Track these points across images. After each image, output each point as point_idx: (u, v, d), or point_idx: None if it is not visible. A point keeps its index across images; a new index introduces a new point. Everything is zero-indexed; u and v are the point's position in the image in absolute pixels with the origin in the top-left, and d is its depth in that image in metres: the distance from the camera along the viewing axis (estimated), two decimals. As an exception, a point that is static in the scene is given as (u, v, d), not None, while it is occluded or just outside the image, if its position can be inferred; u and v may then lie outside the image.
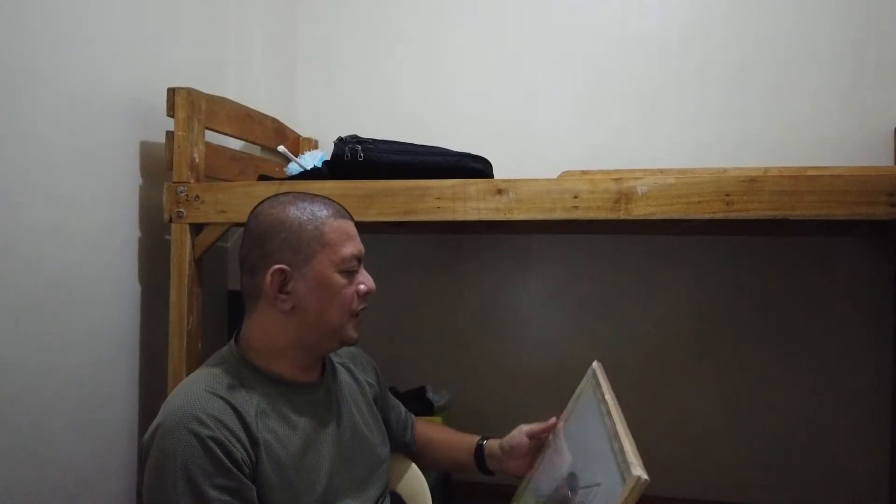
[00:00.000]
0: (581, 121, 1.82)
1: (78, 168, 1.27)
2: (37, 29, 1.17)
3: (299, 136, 1.90)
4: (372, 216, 1.24)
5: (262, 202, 1.00)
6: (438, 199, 1.21)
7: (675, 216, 1.13)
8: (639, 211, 1.14)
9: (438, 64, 1.92)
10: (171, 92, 1.33)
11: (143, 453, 0.87)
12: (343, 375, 1.11)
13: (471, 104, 1.89)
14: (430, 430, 1.29)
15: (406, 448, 1.25)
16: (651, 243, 1.77)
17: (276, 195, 1.01)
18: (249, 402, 0.91)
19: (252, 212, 1.00)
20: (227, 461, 0.84)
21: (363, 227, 1.86)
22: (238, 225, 1.46)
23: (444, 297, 1.90)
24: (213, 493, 0.82)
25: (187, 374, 1.32)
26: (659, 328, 1.77)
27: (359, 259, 0.99)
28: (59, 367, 1.23)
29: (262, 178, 1.45)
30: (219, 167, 1.45)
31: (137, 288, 1.44)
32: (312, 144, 1.92)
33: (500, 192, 1.19)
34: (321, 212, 0.97)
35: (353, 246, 0.98)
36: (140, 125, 1.43)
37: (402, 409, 1.27)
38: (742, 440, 1.72)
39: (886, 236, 1.60)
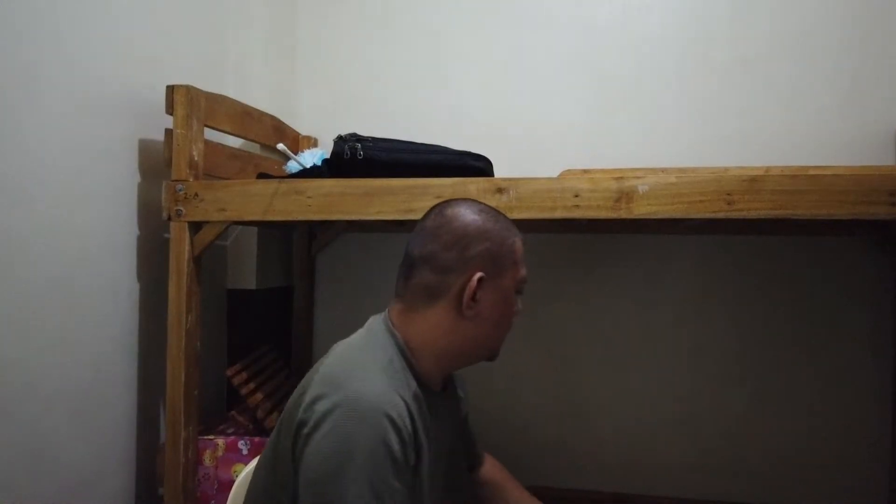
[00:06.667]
0: (582, 119, 1.82)
1: (76, 166, 1.27)
2: (36, 27, 1.17)
3: (299, 134, 1.89)
4: (372, 215, 1.24)
5: (455, 203, 0.98)
6: (439, 197, 1.21)
7: (677, 215, 1.13)
8: (640, 210, 1.13)
9: (438, 62, 1.91)
10: (171, 90, 1.32)
11: (311, 425, 0.83)
12: (451, 391, 1.08)
13: (471, 103, 1.88)
14: (502, 475, 1.24)
15: (463, 478, 1.20)
16: (652, 242, 1.77)
17: (466, 200, 1.00)
18: (412, 406, 0.89)
19: (445, 210, 0.97)
20: (402, 462, 0.83)
21: (363, 226, 1.88)
22: (238, 223, 1.46)
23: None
24: (388, 493, 0.80)
25: (186, 373, 1.33)
26: (659, 327, 1.76)
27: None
28: (58, 366, 1.23)
29: (262, 176, 1.45)
30: (218, 165, 1.45)
31: (136, 286, 1.43)
32: (312, 142, 1.92)
33: (500, 190, 1.19)
34: (513, 228, 0.99)
35: (526, 269, 1.00)
36: (139, 123, 1.43)
37: (473, 433, 1.22)
38: (742, 440, 1.71)
39: (888, 236, 1.60)
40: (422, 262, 0.95)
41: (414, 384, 0.92)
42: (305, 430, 0.83)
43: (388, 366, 0.90)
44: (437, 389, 0.98)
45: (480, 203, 1.00)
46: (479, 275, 0.92)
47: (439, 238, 0.94)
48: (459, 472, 1.06)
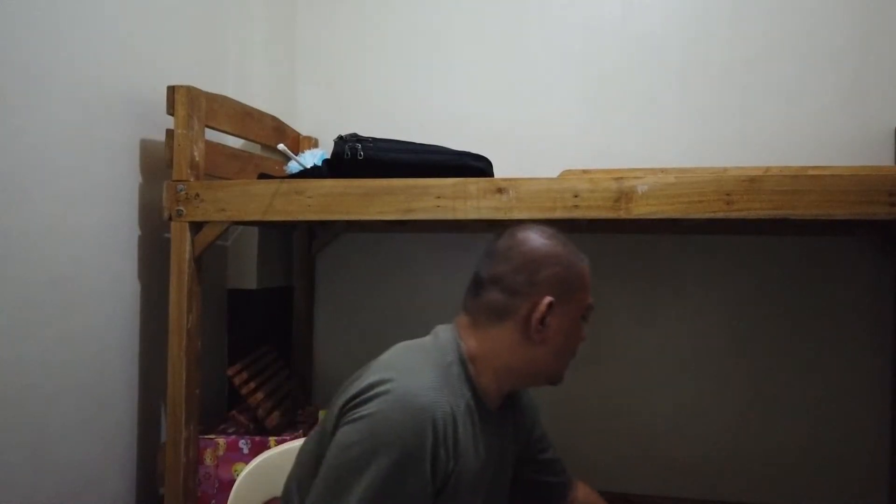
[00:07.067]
0: (582, 120, 1.82)
1: (78, 166, 1.27)
2: (36, 27, 1.17)
3: (299, 134, 1.89)
4: (372, 215, 1.24)
5: (526, 227, 1.00)
6: (438, 197, 1.21)
7: (676, 215, 1.13)
8: (639, 210, 1.14)
9: (439, 62, 1.91)
10: (171, 90, 1.33)
11: (360, 399, 0.85)
12: (509, 415, 1.07)
13: (471, 103, 1.88)
14: (596, 500, 1.21)
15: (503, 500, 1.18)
16: (652, 242, 1.77)
17: (537, 225, 1.00)
18: (460, 414, 0.89)
19: (517, 233, 0.99)
20: (430, 466, 0.83)
21: (363, 226, 1.88)
22: (238, 223, 1.46)
23: (444, 297, 1.89)
24: (399, 496, 0.81)
25: (187, 373, 1.33)
26: (659, 327, 1.76)
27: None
28: (59, 366, 1.23)
29: (262, 176, 1.45)
30: (218, 165, 1.45)
31: (137, 286, 1.43)
32: (312, 143, 1.92)
33: (500, 190, 1.19)
34: (581, 254, 0.99)
35: (591, 296, 1.00)
36: (140, 123, 1.43)
37: (559, 459, 1.19)
38: (742, 440, 1.71)
39: (888, 236, 1.60)
40: (491, 282, 0.96)
41: (468, 394, 0.93)
42: (354, 402, 0.85)
43: (445, 370, 0.91)
44: (493, 408, 0.98)
45: (550, 228, 1.01)
46: (548, 299, 0.93)
47: (510, 260, 0.96)
48: (501, 494, 1.05)
